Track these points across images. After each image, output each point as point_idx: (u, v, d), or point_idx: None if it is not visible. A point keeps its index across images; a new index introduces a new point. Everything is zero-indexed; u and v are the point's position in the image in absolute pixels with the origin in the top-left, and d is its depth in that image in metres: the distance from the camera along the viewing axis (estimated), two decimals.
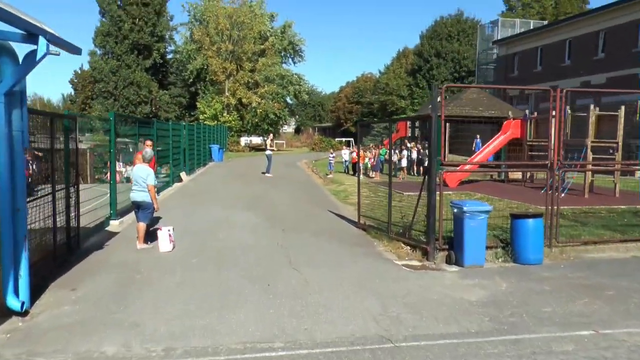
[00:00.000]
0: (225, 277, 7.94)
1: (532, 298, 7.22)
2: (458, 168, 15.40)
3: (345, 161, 27.09)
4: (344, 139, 65.20)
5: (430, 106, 30.26)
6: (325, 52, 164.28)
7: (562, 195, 17.43)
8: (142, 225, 9.90)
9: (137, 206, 10.09)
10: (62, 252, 9.00)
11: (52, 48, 6.36)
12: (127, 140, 23.39)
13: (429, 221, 9.41)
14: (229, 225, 12.18)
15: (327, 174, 25.87)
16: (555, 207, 10.23)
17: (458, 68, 60.84)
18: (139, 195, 9.90)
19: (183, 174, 23.05)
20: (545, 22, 45.66)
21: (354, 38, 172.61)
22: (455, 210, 9.20)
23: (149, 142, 11.20)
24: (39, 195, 8.09)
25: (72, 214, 9.70)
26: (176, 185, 20.92)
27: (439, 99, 9.80)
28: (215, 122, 51.55)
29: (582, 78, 31.37)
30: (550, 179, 10.38)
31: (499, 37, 43.28)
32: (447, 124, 29.45)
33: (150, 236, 10.21)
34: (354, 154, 26.76)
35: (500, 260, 9.41)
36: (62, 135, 9.04)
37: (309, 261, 8.94)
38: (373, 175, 24.75)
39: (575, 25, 33.99)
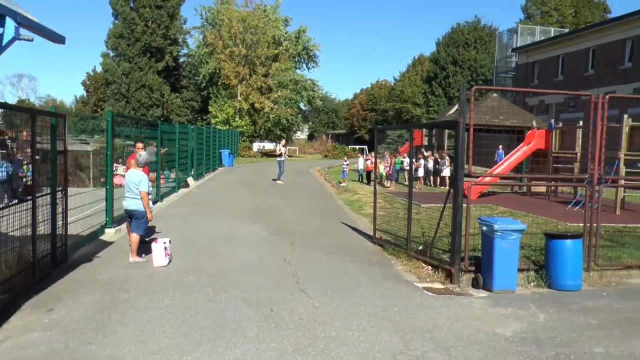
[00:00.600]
0: (223, 301, 6.95)
1: (578, 335, 6.18)
2: (487, 180, 14.29)
3: (360, 169, 26.07)
4: (357, 146, 64.25)
5: (451, 112, 29.02)
6: (340, 59, 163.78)
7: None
8: (135, 237, 8.96)
9: (129, 215, 9.17)
10: (45, 265, 8.09)
11: (24, 33, 5.44)
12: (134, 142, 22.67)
13: (453, 240, 8.39)
14: (233, 239, 11.22)
15: (340, 182, 24.87)
16: (595, 225, 9.19)
17: (475, 76, 59.69)
18: (131, 203, 8.98)
19: (190, 180, 22.18)
20: (566, 30, 44.50)
21: (369, 44, 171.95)
22: (485, 228, 8.17)
23: (140, 145, 10.23)
24: (12, 203, 7.16)
25: (61, 222, 8.81)
26: (182, 191, 20.03)
27: (466, 102, 8.74)
28: (227, 126, 50.80)
29: (607, 88, 30.12)
30: (589, 194, 9.32)
31: (518, 45, 42.14)
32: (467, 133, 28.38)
33: (146, 248, 9.25)
34: (369, 162, 25.76)
35: (532, 284, 8.38)
36: (47, 135, 8.14)
37: (319, 283, 7.94)
38: (388, 185, 23.71)
39: (600, 33, 32.79)
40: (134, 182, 8.89)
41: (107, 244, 10.47)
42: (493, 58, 58.66)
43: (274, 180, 24.65)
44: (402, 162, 26.68)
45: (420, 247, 9.86)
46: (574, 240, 8.29)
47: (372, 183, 24.84)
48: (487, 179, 14.47)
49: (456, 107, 33.49)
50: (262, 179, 26.13)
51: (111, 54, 58.34)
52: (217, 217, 14.03)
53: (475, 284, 8.22)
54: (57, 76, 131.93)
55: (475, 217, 9.28)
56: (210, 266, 8.81)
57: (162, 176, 19.35)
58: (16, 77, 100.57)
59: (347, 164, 26.13)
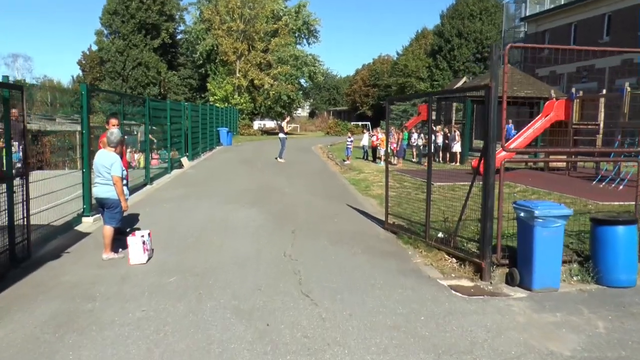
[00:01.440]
0: (208, 311, 5.64)
1: None
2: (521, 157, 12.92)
3: (364, 146, 24.67)
4: (360, 123, 62.75)
5: (458, 85, 27.61)
6: (341, 34, 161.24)
7: (620, 188, 15.03)
8: (109, 230, 7.64)
9: (100, 204, 7.86)
10: (2, 264, 6.82)
11: None
12: (132, 122, 21.33)
13: (484, 228, 7.06)
14: (227, 227, 9.90)
15: (344, 160, 23.56)
16: None
17: (481, 48, 57.90)
18: (102, 190, 7.66)
19: (184, 160, 20.85)
20: None
21: (370, 19, 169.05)
22: (522, 214, 6.82)
23: (113, 121, 8.83)
24: None
25: (23, 213, 7.52)
26: (175, 172, 18.71)
27: (499, 64, 7.33)
28: (226, 104, 49.29)
29: (624, 56, 28.61)
30: None
31: (526, 14, 40.39)
32: (475, 106, 27.03)
33: (124, 242, 7.92)
34: (374, 139, 24.38)
35: (576, 279, 7.08)
36: None
37: (326, 282, 6.64)
38: (395, 162, 22.35)
39: None
40: (104, 166, 7.56)
41: (82, 235, 9.16)
42: (500, 29, 56.93)
43: (276, 158, 23.39)
44: (409, 138, 25.33)
45: (441, 235, 8.55)
46: (628, 226, 6.96)
47: (377, 161, 23.68)
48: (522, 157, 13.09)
49: (463, 79, 32.06)
50: (262, 158, 24.80)
51: (105, 32, 56.66)
52: (212, 200, 12.73)
53: (509, 281, 6.92)
54: (53, 56, 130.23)
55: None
56: (198, 262, 7.50)
57: (155, 156, 18.05)
58: (11, 57, 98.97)
59: (351, 141, 24.76)
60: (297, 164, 22.08)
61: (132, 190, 13.78)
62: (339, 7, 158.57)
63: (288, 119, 25.91)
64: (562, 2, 39.14)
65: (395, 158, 22.84)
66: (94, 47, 61.00)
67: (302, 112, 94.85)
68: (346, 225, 10.24)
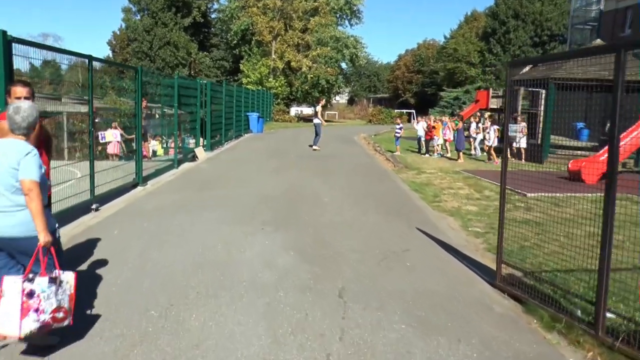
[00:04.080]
0: None
1: None
2: None
3: (420, 137, 20.38)
4: (404, 111, 58.13)
5: (525, 71, 22.78)
6: (381, 18, 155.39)
7: None
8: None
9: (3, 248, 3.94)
10: None
11: None
12: (153, 104, 17.55)
13: None
14: (224, 282, 5.73)
15: (393, 152, 19.37)
16: None
17: (540, 31, 52.62)
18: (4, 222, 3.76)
19: (200, 150, 16.88)
20: None
21: (413, 2, 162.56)
22: None
23: (18, 90, 4.76)
24: None
25: None
26: (185, 167, 14.75)
27: None
28: (260, 87, 45.26)
29: None
30: None
31: None
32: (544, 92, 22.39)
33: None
34: (431, 127, 20.07)
35: None
36: None
37: None
38: (458, 159, 18.01)
39: None
40: (9, 167, 3.65)
41: None
42: (561, 10, 51.55)
43: (310, 146, 19.49)
44: (468, 129, 21.04)
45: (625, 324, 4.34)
46: None
47: (434, 154, 19.40)
48: None
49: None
50: (295, 149, 20.71)
51: (134, 9, 53.22)
52: (216, 215, 8.65)
53: None
54: (85, 35, 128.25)
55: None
56: None
57: (147, 143, 14.13)
58: (41, 36, 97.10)
59: (400, 129, 20.50)
60: (338, 158, 17.91)
61: (113, 195, 9.89)
62: None
63: (323, 101, 22.05)
64: None
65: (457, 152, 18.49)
66: (123, 26, 57.76)
67: (341, 99, 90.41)
68: (427, 276, 6.01)
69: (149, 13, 51.53)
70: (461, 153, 18.19)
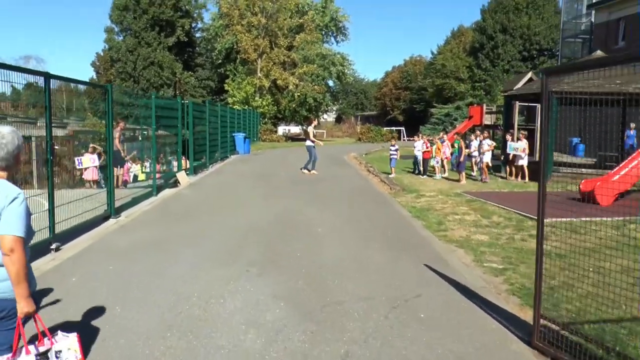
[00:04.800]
0: None
1: None
2: None
3: (417, 156, 19.27)
4: (394, 128, 57.26)
5: (521, 84, 21.85)
6: (367, 36, 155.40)
7: None
8: None
9: None
10: None
11: None
12: (138, 126, 16.51)
13: None
14: (200, 337, 4.63)
15: (389, 174, 18.30)
16: None
17: (528, 45, 52.17)
18: None
19: (181, 175, 15.74)
20: None
21: (397, 19, 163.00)
22: None
23: None
24: None
25: None
26: (165, 194, 13.61)
27: None
28: (246, 106, 44.22)
29: None
30: None
31: (594, 0, 34.62)
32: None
33: None
34: (427, 146, 19.01)
35: None
36: None
37: None
38: (460, 180, 16.90)
39: None
40: None
41: None
42: (548, 24, 51.21)
43: (301, 169, 18.31)
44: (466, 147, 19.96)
45: None
46: None
47: (436, 175, 18.16)
48: None
49: (529, 75, 26.48)
50: (284, 171, 19.62)
51: (116, 29, 52.25)
52: (193, 254, 7.51)
53: None
54: (68, 57, 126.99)
55: None
56: None
57: (124, 172, 13.05)
58: (23, 58, 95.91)
59: (395, 150, 19.42)
60: (329, 181, 16.84)
61: (79, 231, 8.77)
62: (363, 9, 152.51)
63: (315, 122, 20.47)
64: None
65: (457, 172, 17.41)
66: (106, 47, 56.75)
67: (329, 117, 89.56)
68: (447, 333, 4.90)
69: (131, 33, 50.52)
70: (463, 174, 17.19)
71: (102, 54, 61.68)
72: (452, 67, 57.26)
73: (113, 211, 10.16)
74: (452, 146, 19.63)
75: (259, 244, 8.19)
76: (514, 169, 18.14)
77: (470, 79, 56.14)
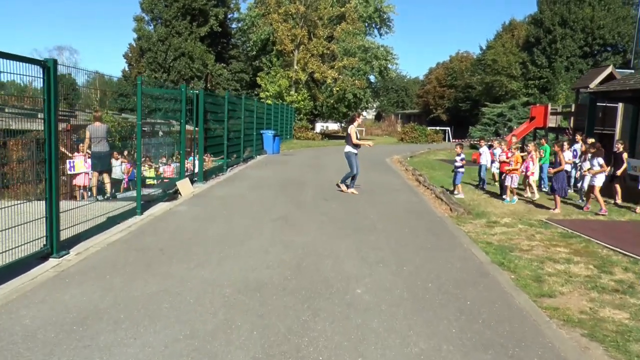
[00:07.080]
0: None
1: None
2: None
3: (482, 167, 15.01)
4: (438, 128, 53.35)
5: (598, 81, 17.42)
6: (410, 31, 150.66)
7: None
8: None
9: None
10: None
11: None
12: (157, 120, 13.56)
13: None
14: None
15: (454, 193, 14.15)
16: None
17: (591, 40, 47.57)
18: None
19: (183, 183, 12.48)
20: None
21: (443, 15, 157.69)
22: None
23: None
24: None
25: None
26: (152, 212, 10.32)
27: None
28: (280, 101, 40.95)
29: None
30: None
31: None
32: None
33: None
34: (502, 156, 14.59)
35: None
36: None
37: None
38: (554, 209, 12.16)
39: None
40: None
41: None
42: (615, 16, 46.50)
43: (337, 185, 14.08)
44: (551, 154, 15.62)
45: None
46: None
47: (512, 198, 13.15)
48: None
49: (609, 70, 22.41)
50: (315, 178, 16.21)
51: (146, 18, 49.63)
52: (147, 353, 4.16)
53: None
54: (102, 49, 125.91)
55: None
56: None
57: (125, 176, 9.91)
58: (56, 49, 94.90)
59: (462, 160, 14.56)
60: (372, 195, 13.32)
61: None
62: (406, 2, 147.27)
63: (359, 120, 14.49)
64: None
65: (554, 196, 12.93)
66: (136, 36, 54.33)
67: (368, 114, 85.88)
68: None
69: (162, 22, 47.83)
70: (559, 199, 12.33)
71: (135, 45, 59.45)
72: (504, 62, 52.90)
73: (55, 247, 6.89)
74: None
75: (258, 324, 4.76)
76: (618, 189, 13.93)
77: (523, 76, 51.72)
